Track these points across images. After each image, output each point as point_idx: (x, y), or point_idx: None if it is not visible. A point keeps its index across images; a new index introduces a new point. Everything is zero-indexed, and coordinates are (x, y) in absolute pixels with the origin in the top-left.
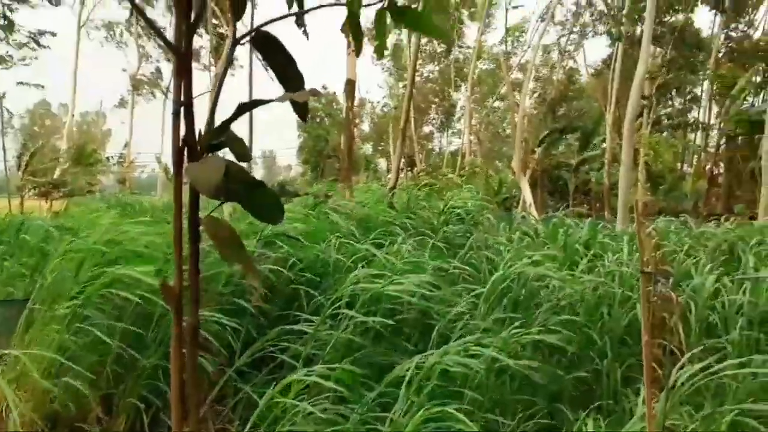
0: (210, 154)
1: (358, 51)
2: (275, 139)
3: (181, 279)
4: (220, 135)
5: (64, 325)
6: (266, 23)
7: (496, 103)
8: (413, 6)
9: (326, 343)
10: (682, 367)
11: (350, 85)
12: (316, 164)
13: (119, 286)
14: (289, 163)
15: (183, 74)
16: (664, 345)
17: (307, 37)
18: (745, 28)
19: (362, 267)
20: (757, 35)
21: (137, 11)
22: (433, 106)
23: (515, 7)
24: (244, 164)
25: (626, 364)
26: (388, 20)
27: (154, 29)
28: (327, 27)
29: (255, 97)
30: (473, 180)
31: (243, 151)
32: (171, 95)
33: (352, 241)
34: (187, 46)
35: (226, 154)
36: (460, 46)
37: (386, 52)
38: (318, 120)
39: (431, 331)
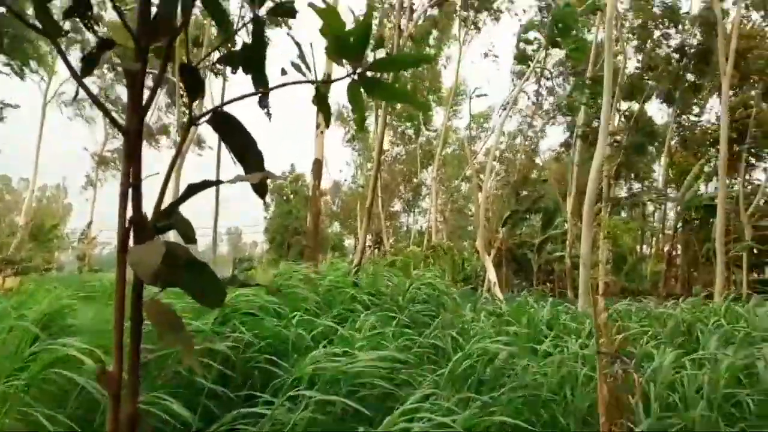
0: (157, 236)
1: (327, 123)
2: (241, 216)
3: (121, 364)
4: (168, 216)
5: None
6: (225, 104)
7: (462, 184)
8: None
9: (285, 425)
10: None
11: (317, 165)
12: (282, 242)
13: (62, 366)
14: (255, 240)
15: (132, 155)
16: (624, 424)
17: (270, 118)
18: (695, 118)
19: (324, 345)
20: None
21: (84, 90)
22: (401, 185)
23: (479, 96)
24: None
25: None
26: (363, 94)
27: (102, 110)
28: (300, 102)
29: (224, 175)
30: (439, 259)
31: (189, 233)
32: None
33: (313, 318)
34: (136, 128)
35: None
36: (428, 130)
37: (353, 133)
38: (285, 198)
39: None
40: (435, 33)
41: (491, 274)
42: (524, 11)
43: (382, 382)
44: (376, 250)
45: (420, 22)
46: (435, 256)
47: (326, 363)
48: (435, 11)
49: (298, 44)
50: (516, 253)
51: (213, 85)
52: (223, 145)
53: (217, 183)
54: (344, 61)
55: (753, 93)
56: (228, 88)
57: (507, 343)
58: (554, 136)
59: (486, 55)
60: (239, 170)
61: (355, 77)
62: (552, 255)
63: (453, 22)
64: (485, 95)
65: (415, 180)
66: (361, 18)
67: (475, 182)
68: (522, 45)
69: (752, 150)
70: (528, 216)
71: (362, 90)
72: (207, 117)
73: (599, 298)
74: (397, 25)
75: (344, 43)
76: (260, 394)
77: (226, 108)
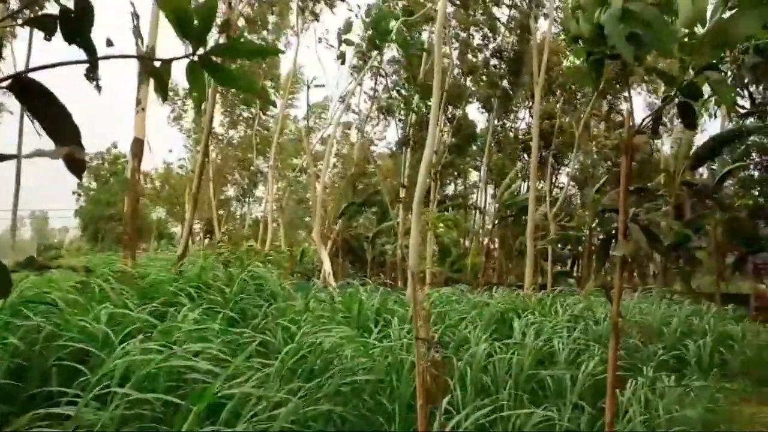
0: None
1: (164, 97)
2: (49, 199)
3: None
4: None
5: None
6: (32, 70)
7: (301, 174)
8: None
9: (94, 425)
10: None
11: (137, 144)
12: (96, 229)
13: None
14: (65, 226)
15: None
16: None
17: (99, 91)
18: (511, 124)
19: (142, 340)
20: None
21: None
22: (235, 171)
23: (317, 86)
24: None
25: (413, 429)
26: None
27: None
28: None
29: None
30: (279, 254)
31: None
32: None
33: (128, 311)
34: None
35: None
36: (266, 115)
37: (179, 112)
38: (103, 180)
39: (222, 408)
40: (273, 18)
41: (327, 265)
42: (358, 7)
43: (206, 377)
44: (207, 240)
45: (255, 4)
46: (277, 254)
47: (140, 358)
48: None
49: (135, 15)
50: (352, 244)
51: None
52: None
53: (12, 157)
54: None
55: (557, 105)
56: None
57: (337, 331)
58: (392, 132)
59: (320, 40)
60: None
61: (196, 59)
62: (384, 247)
63: (291, 9)
64: (322, 86)
65: (251, 167)
66: None
67: (312, 173)
68: (343, 45)
69: (556, 156)
70: (364, 209)
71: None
72: (5, 83)
73: (418, 288)
74: (228, 2)
75: (187, 23)
76: (67, 390)
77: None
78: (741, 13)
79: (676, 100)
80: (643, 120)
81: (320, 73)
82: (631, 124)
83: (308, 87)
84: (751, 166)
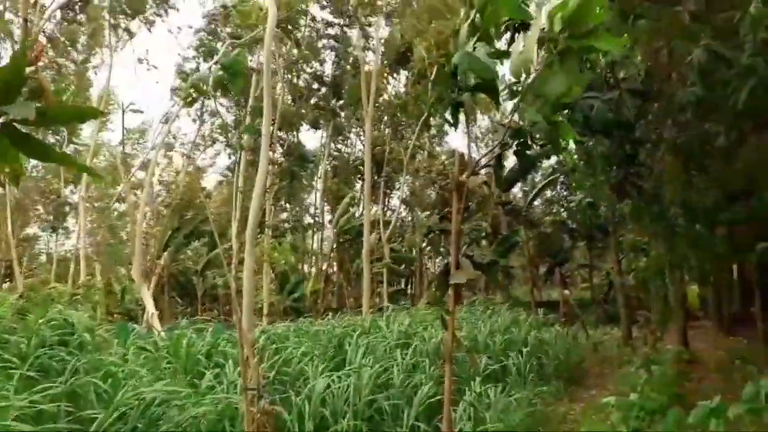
0: None
1: None
2: None
3: None
4: None
5: None
6: None
7: (117, 205)
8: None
9: None
10: None
11: None
12: None
13: None
14: None
15: None
16: None
17: None
18: (345, 149)
19: None
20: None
21: None
22: (39, 204)
23: (134, 112)
24: None
25: None
26: None
27: None
28: None
29: None
30: (90, 290)
31: None
32: None
33: None
34: None
35: None
36: (74, 142)
37: None
38: None
39: None
40: (84, 38)
41: (149, 305)
42: (179, 28)
43: None
44: (5, 284)
45: (59, 22)
46: (87, 291)
47: None
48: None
49: None
50: (180, 278)
51: None
52: None
53: None
54: None
55: (386, 132)
56: None
57: (162, 383)
58: (223, 158)
59: (140, 61)
60: None
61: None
62: (216, 279)
63: (104, 27)
64: (141, 112)
65: (58, 198)
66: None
67: (131, 203)
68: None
69: (387, 181)
70: (192, 239)
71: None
72: None
73: (245, 332)
74: (24, 18)
75: None
76: None
77: None
78: (555, 71)
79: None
80: (477, 161)
81: (138, 95)
82: (462, 165)
83: (123, 111)
84: (558, 186)
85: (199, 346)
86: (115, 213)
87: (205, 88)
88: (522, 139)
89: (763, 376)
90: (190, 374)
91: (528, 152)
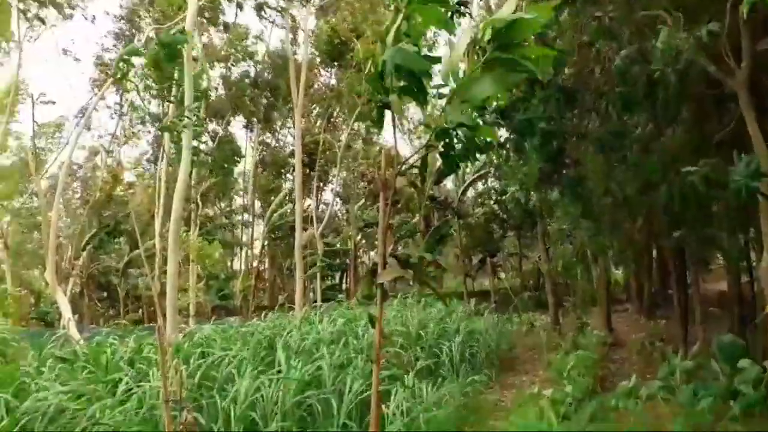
0: None
1: None
2: None
3: None
4: None
5: None
6: None
7: (31, 202)
8: None
9: None
10: None
11: None
12: None
13: None
14: None
15: None
16: None
17: None
18: (275, 143)
19: None
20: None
21: None
22: None
23: (45, 103)
24: None
25: None
26: None
27: None
28: None
29: None
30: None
31: None
32: None
33: None
34: None
35: None
36: None
37: None
38: None
39: None
40: None
41: (65, 310)
42: (94, 17)
43: None
44: None
45: None
46: None
47: None
48: None
49: None
50: (101, 279)
51: None
52: None
53: None
54: None
55: (318, 123)
56: None
57: (78, 392)
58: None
59: (65, 52)
60: None
61: None
62: (139, 279)
63: (10, 15)
64: (53, 103)
65: None
66: None
67: (43, 201)
68: (122, 65)
69: (321, 175)
70: (114, 238)
71: None
72: None
73: (168, 337)
74: None
75: None
76: None
77: None
78: (481, 75)
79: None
80: (404, 162)
81: (55, 87)
82: (389, 163)
83: (33, 103)
84: (489, 179)
85: (122, 353)
86: (27, 211)
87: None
88: (447, 140)
89: (677, 355)
90: (111, 383)
91: (452, 153)
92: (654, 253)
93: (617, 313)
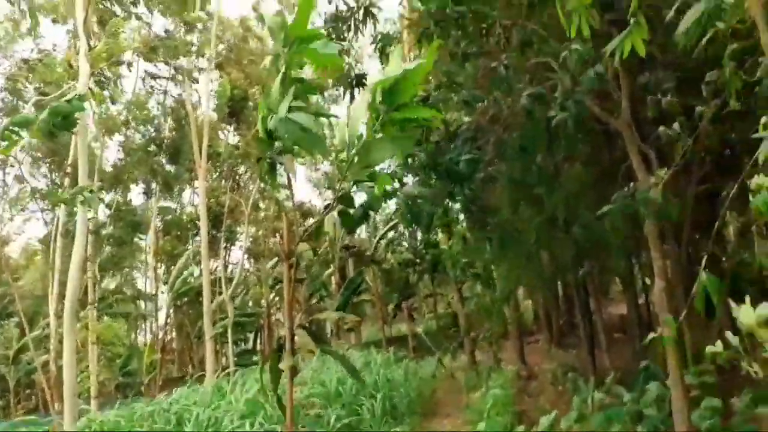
0: None
1: None
2: None
3: None
4: None
5: None
6: None
7: None
8: None
9: None
10: None
11: None
12: None
13: None
14: None
15: None
16: None
17: None
18: (176, 205)
19: None
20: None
21: None
22: None
23: None
24: None
25: None
26: None
27: None
28: None
29: None
30: None
31: None
32: None
33: None
34: None
35: None
36: None
37: None
38: None
39: None
40: None
41: None
42: None
43: None
44: None
45: None
46: None
47: None
48: None
49: None
50: None
51: None
52: None
53: None
54: None
55: (224, 183)
56: None
57: None
58: (36, 228)
59: None
60: None
61: None
62: (31, 365)
63: None
64: None
65: None
66: None
67: None
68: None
69: (228, 235)
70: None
71: None
72: None
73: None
74: None
75: None
76: None
77: None
78: (380, 140)
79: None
80: (306, 229)
81: None
82: (290, 231)
83: None
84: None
85: None
86: None
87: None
88: (347, 203)
89: (587, 384)
90: None
91: (350, 212)
92: (560, 283)
93: (530, 345)
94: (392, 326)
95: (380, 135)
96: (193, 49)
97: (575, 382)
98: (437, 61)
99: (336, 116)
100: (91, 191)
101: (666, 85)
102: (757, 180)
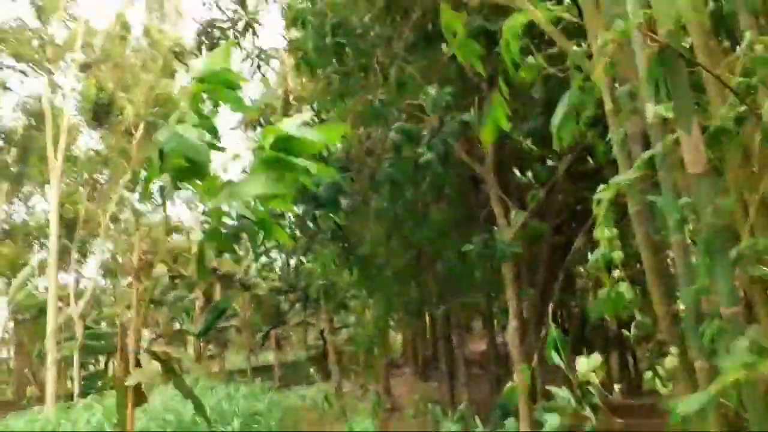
0: None
1: None
2: None
3: None
4: None
5: None
6: None
7: None
8: None
9: None
10: None
11: None
12: None
13: None
14: None
15: None
16: None
17: None
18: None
19: None
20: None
21: None
22: None
23: None
24: None
25: None
26: None
27: None
28: None
29: None
30: None
31: None
32: None
33: None
34: None
35: None
36: None
37: None
38: None
39: None
40: None
41: None
42: None
43: None
44: None
45: None
46: None
47: None
48: None
49: None
50: None
51: None
52: None
53: None
54: None
55: (81, 189)
56: None
57: None
58: None
59: None
60: None
61: None
62: None
63: None
64: None
65: None
66: None
67: None
68: None
69: (81, 247)
70: None
71: None
72: None
73: None
74: None
75: None
76: None
77: None
78: (251, 176)
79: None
80: (171, 247)
81: None
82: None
83: None
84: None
85: None
86: None
87: None
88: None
89: (447, 416)
90: None
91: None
92: (427, 317)
93: (396, 376)
94: (259, 355)
95: (261, 171)
96: (53, 44)
97: (435, 414)
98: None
99: (224, 149)
100: None
101: (527, 127)
102: (596, 232)
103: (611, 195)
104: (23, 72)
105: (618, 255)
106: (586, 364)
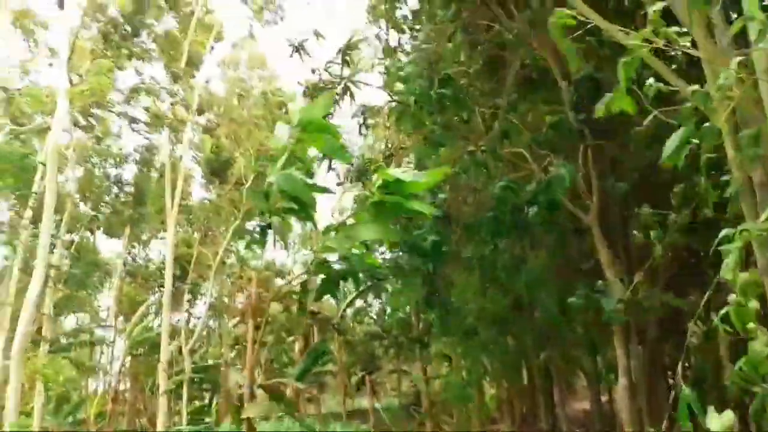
0: None
1: None
2: None
3: None
4: None
5: None
6: None
7: None
8: None
9: None
10: None
11: None
12: None
13: None
14: None
15: None
16: None
17: None
18: (143, 252)
19: None
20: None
21: None
22: None
23: None
24: None
25: None
26: None
27: None
28: None
29: None
30: None
31: None
32: None
33: None
34: None
35: None
36: None
37: None
38: None
39: None
40: None
41: None
42: None
43: None
44: None
45: None
46: None
47: None
48: None
49: None
50: None
51: None
52: None
53: None
54: None
55: (195, 235)
56: None
57: None
58: None
59: None
60: None
61: None
62: None
63: None
64: None
65: None
66: None
67: None
68: None
69: (193, 288)
70: None
71: None
72: None
73: None
74: None
75: None
76: None
77: None
78: (360, 221)
79: None
80: (279, 289)
81: None
82: (263, 290)
83: None
84: (369, 296)
85: None
86: None
87: None
88: (324, 270)
89: None
90: None
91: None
92: (525, 372)
93: None
94: (354, 399)
95: (371, 216)
96: (176, 99)
97: None
98: (417, 145)
99: (331, 191)
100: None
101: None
102: (732, 298)
103: (742, 244)
104: (146, 124)
105: (754, 305)
106: (719, 422)
